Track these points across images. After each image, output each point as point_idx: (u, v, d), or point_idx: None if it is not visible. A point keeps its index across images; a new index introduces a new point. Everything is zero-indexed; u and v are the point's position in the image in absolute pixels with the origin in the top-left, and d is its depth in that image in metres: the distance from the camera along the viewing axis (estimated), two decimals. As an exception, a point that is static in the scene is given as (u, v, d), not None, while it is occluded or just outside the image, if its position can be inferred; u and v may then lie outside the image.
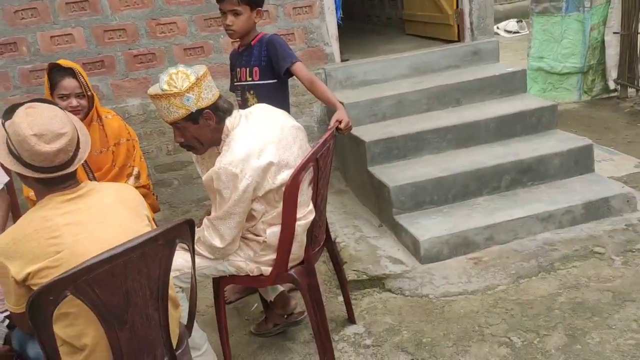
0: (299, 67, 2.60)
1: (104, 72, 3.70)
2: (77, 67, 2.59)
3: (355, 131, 3.59)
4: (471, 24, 4.37)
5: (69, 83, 2.54)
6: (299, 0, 3.95)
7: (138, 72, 3.77)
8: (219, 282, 2.29)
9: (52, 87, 2.57)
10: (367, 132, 3.58)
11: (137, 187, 2.72)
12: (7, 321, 2.02)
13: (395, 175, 3.33)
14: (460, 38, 4.48)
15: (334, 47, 4.12)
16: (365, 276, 2.90)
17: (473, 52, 4.29)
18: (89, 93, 2.59)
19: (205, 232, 2.08)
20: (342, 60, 4.24)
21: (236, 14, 2.56)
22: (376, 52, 4.69)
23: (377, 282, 2.89)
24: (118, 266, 1.51)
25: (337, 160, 4.16)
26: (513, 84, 3.99)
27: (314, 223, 2.19)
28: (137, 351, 1.65)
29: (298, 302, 2.64)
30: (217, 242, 2.07)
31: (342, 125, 2.37)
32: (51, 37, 3.58)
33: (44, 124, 1.55)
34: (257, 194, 2.01)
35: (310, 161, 2.08)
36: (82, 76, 2.59)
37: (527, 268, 2.82)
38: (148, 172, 2.94)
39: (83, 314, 1.54)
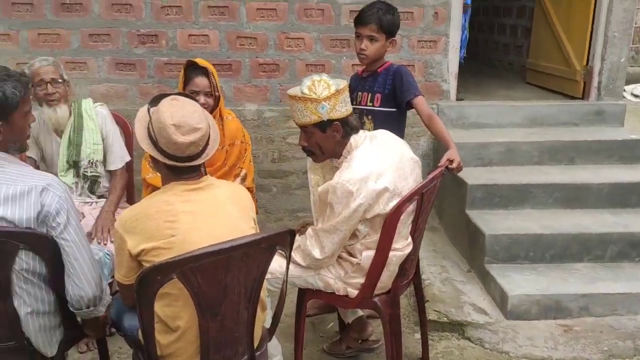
0: (420, 101, 2.63)
1: (230, 75, 3.91)
2: (211, 68, 2.76)
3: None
4: (599, 83, 4.20)
5: (201, 81, 2.72)
6: (426, 35, 3.97)
7: (260, 79, 3.95)
8: (304, 294, 2.34)
9: (186, 82, 2.75)
10: (471, 175, 3.53)
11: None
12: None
13: (493, 223, 3.25)
14: (584, 95, 4.31)
15: (452, 85, 4.11)
16: (445, 319, 2.85)
17: (596, 112, 4.12)
18: (217, 93, 2.75)
19: (307, 241, 2.14)
20: (457, 99, 4.21)
21: (372, 39, 2.63)
22: (493, 96, 4.62)
23: (457, 327, 2.83)
24: (222, 260, 1.60)
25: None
26: (635, 152, 3.79)
27: (407, 256, 2.20)
28: (222, 343, 1.73)
29: (374, 330, 2.63)
30: (317, 253, 2.11)
31: (453, 165, 2.36)
32: (189, 35, 3.83)
33: (183, 116, 1.67)
34: (365, 215, 2.04)
35: (416, 194, 2.10)
36: (214, 77, 2.76)
37: (622, 348, 2.64)
38: (254, 176, 3.06)
39: (182, 298, 1.63)
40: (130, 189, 3.15)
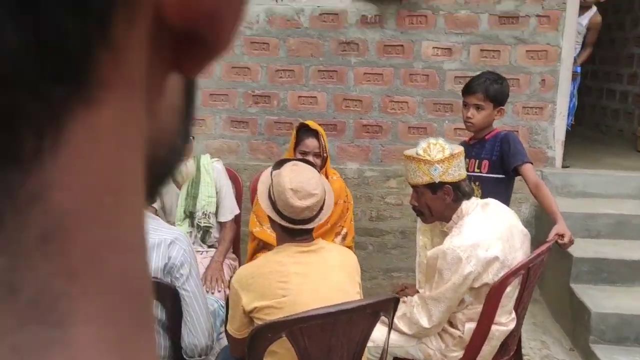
0: (528, 168, 2.62)
1: (334, 135, 4.08)
2: (322, 131, 2.92)
3: (564, 243, 3.44)
4: None
5: (311, 142, 2.88)
6: (531, 101, 3.96)
7: (362, 140, 4.08)
8: (398, 360, 2.35)
9: (297, 142, 2.92)
10: (577, 247, 3.38)
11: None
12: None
13: (600, 300, 3.10)
14: None
15: (557, 152, 4.03)
16: (546, 399, 2.73)
17: None
18: (325, 154, 2.89)
19: (414, 309, 2.15)
20: (563, 167, 4.11)
21: (479, 108, 2.68)
22: (600, 164, 4.46)
23: (558, 410, 2.70)
24: (329, 323, 1.67)
25: (536, 266, 4.00)
26: None
27: (510, 332, 2.16)
28: (322, 404, 1.78)
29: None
30: (425, 322, 2.12)
31: (565, 240, 2.31)
32: (299, 96, 4.07)
33: (301, 182, 1.79)
34: (474, 284, 2.05)
35: (523, 268, 2.08)
36: (323, 139, 2.91)
37: None
38: (353, 236, 3.15)
39: (288, 357, 1.72)
40: (236, 241, 3.33)
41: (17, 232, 0.17)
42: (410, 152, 2.19)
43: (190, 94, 0.26)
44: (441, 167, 2.11)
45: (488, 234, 2.07)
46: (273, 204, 1.83)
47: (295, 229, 1.83)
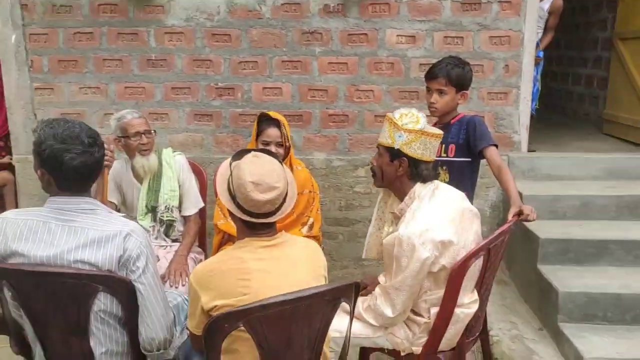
0: (492, 151, 2.62)
1: (300, 125, 4.04)
2: (283, 120, 2.88)
3: (531, 225, 3.45)
4: (682, 135, 4.02)
5: (273, 132, 2.84)
6: (496, 87, 3.97)
7: (329, 129, 4.05)
8: (366, 351, 2.33)
9: (259, 133, 2.89)
10: (543, 229, 3.42)
11: (307, 237, 2.91)
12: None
13: (567, 280, 3.12)
14: (667, 148, 4.13)
15: (523, 137, 4.05)
16: (515, 379, 2.74)
17: (680, 166, 3.92)
18: (287, 144, 2.86)
19: (377, 300, 2.13)
20: (529, 151, 4.14)
21: (442, 93, 2.68)
22: (566, 148, 4.51)
23: (527, 389, 2.71)
24: (287, 311, 1.64)
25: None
26: None
27: (474, 313, 2.15)
28: (284, 393, 1.75)
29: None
30: (389, 312, 2.10)
31: (526, 213, 2.30)
32: (263, 87, 4.01)
33: (262, 174, 1.72)
34: (432, 268, 2.03)
35: (482, 249, 2.07)
36: (285, 128, 2.87)
37: None
38: (321, 224, 3.12)
39: (249, 356, 1.67)
40: (202, 234, 3.28)
41: None
42: (391, 113, 2.19)
43: None
44: (406, 136, 2.09)
45: (440, 218, 2.06)
46: (232, 197, 1.76)
47: (257, 222, 1.76)
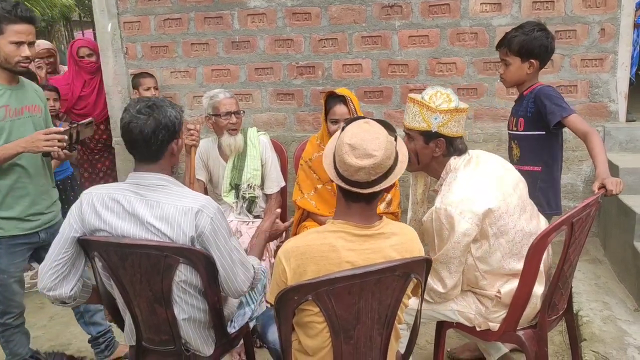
0: (572, 120, 2.43)
1: (381, 101, 4.01)
2: (350, 95, 2.88)
3: (627, 199, 3.26)
4: None
5: (339, 109, 2.85)
6: (590, 52, 3.72)
7: (411, 105, 3.99)
8: (442, 326, 2.31)
9: (327, 111, 2.91)
10: (641, 204, 3.20)
11: (386, 213, 2.91)
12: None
13: (668, 259, 2.92)
14: None
15: (621, 105, 3.78)
16: (605, 362, 2.61)
17: None
18: (359, 119, 2.86)
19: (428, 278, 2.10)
20: (628, 120, 3.86)
21: (506, 63, 2.57)
22: (672, 116, 4.15)
23: (618, 373, 2.57)
24: (355, 285, 1.65)
25: (599, 225, 3.80)
26: None
27: (555, 289, 2.07)
28: (355, 366, 1.79)
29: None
30: (439, 287, 2.09)
31: (609, 188, 2.14)
32: (343, 65, 4.02)
33: (363, 140, 1.64)
34: (476, 238, 1.99)
35: (564, 223, 1.98)
36: (353, 103, 2.87)
37: None
38: (399, 201, 3.10)
39: (322, 329, 1.70)
40: (283, 211, 3.37)
41: None
42: (415, 95, 2.11)
43: None
44: (442, 117, 2.03)
45: (478, 186, 1.99)
46: (334, 160, 1.71)
47: (351, 191, 1.69)
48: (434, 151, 2.11)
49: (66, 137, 2.41)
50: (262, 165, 3.19)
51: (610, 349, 2.67)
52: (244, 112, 3.11)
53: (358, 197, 1.70)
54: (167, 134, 1.89)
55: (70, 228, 1.88)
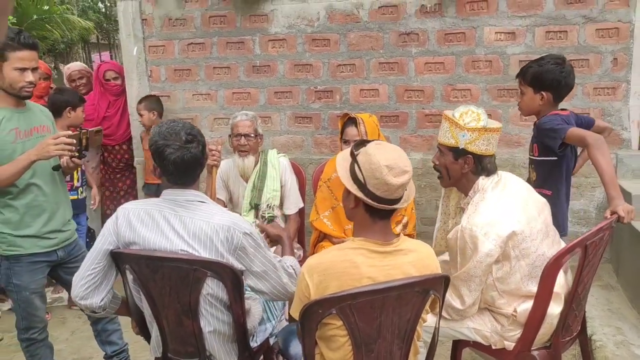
0: (570, 134, 2.44)
1: (397, 126, 4.11)
2: (363, 118, 3.00)
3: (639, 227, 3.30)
4: None
5: (350, 130, 2.98)
6: (603, 82, 3.81)
7: (426, 129, 4.08)
8: (458, 345, 2.36)
9: (342, 132, 3.05)
10: (655, 231, 3.24)
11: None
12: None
13: (681, 285, 2.95)
14: None
15: (633, 134, 3.85)
16: (619, 386, 2.63)
17: None
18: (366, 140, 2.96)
19: (446, 294, 2.16)
20: (640, 148, 3.93)
21: (522, 93, 2.66)
22: (685, 145, 4.20)
23: (632, 396, 2.60)
24: (377, 300, 1.73)
25: (612, 251, 3.84)
26: None
27: (569, 311, 2.13)
28: (375, 379, 1.84)
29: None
30: (458, 304, 2.15)
31: (621, 214, 2.20)
32: (360, 89, 4.13)
33: (394, 159, 1.75)
34: (498, 259, 2.05)
35: (578, 246, 2.04)
36: (364, 125, 2.98)
37: None
38: (415, 224, 3.17)
39: (344, 344, 1.76)
40: (301, 231, 3.45)
41: None
42: (449, 112, 2.21)
43: None
44: (470, 135, 2.11)
45: (504, 209, 2.06)
46: (361, 184, 1.77)
47: (384, 209, 1.77)
48: (462, 167, 2.19)
49: (75, 141, 2.47)
50: (281, 187, 3.28)
51: (624, 373, 2.70)
52: (261, 135, 3.21)
53: (386, 214, 1.80)
54: (200, 165, 2.02)
55: (104, 241, 1.98)
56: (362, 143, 1.86)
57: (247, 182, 3.27)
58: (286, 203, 3.30)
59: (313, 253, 3.16)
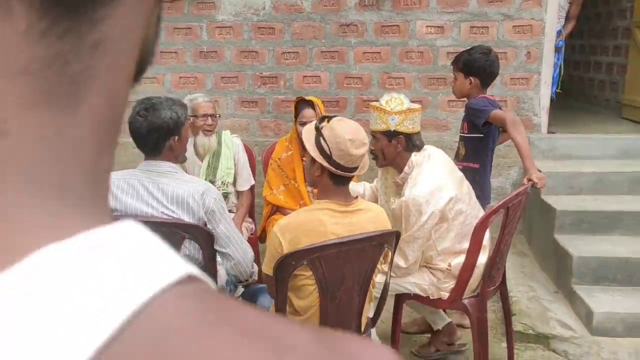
0: (494, 115, 2.82)
1: (337, 111, 4.43)
2: (317, 101, 3.29)
3: (548, 199, 3.80)
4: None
5: (308, 112, 3.25)
6: (518, 73, 4.30)
7: (363, 114, 4.42)
8: (400, 298, 2.72)
9: (297, 114, 3.31)
10: (560, 202, 3.76)
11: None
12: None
13: (581, 247, 3.46)
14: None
15: (542, 119, 4.37)
16: (531, 331, 3.10)
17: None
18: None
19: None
20: (549, 132, 4.46)
21: (455, 78, 3.04)
22: (585, 130, 4.80)
23: (542, 339, 3.07)
24: (342, 252, 2.03)
25: (524, 224, 4.36)
26: None
27: (493, 263, 2.53)
28: (336, 323, 2.15)
29: (462, 336, 2.95)
30: (402, 263, 2.49)
31: (534, 181, 2.62)
32: (304, 76, 4.42)
33: (355, 132, 2.03)
34: (436, 221, 2.42)
35: (502, 207, 2.44)
36: (320, 108, 3.28)
37: None
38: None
39: (311, 292, 2.06)
40: (252, 208, 3.71)
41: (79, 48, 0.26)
42: (375, 103, 2.54)
43: (159, 20, 0.35)
44: (398, 117, 2.45)
45: (439, 179, 2.43)
46: (327, 156, 2.02)
47: (346, 176, 2.06)
48: (396, 147, 2.50)
49: None
50: (234, 165, 3.51)
51: (535, 322, 3.18)
52: (219, 115, 3.43)
53: (347, 180, 2.10)
54: (162, 134, 2.18)
55: None
56: (324, 119, 2.14)
57: (202, 161, 3.47)
58: (239, 180, 3.53)
59: (265, 226, 3.44)
